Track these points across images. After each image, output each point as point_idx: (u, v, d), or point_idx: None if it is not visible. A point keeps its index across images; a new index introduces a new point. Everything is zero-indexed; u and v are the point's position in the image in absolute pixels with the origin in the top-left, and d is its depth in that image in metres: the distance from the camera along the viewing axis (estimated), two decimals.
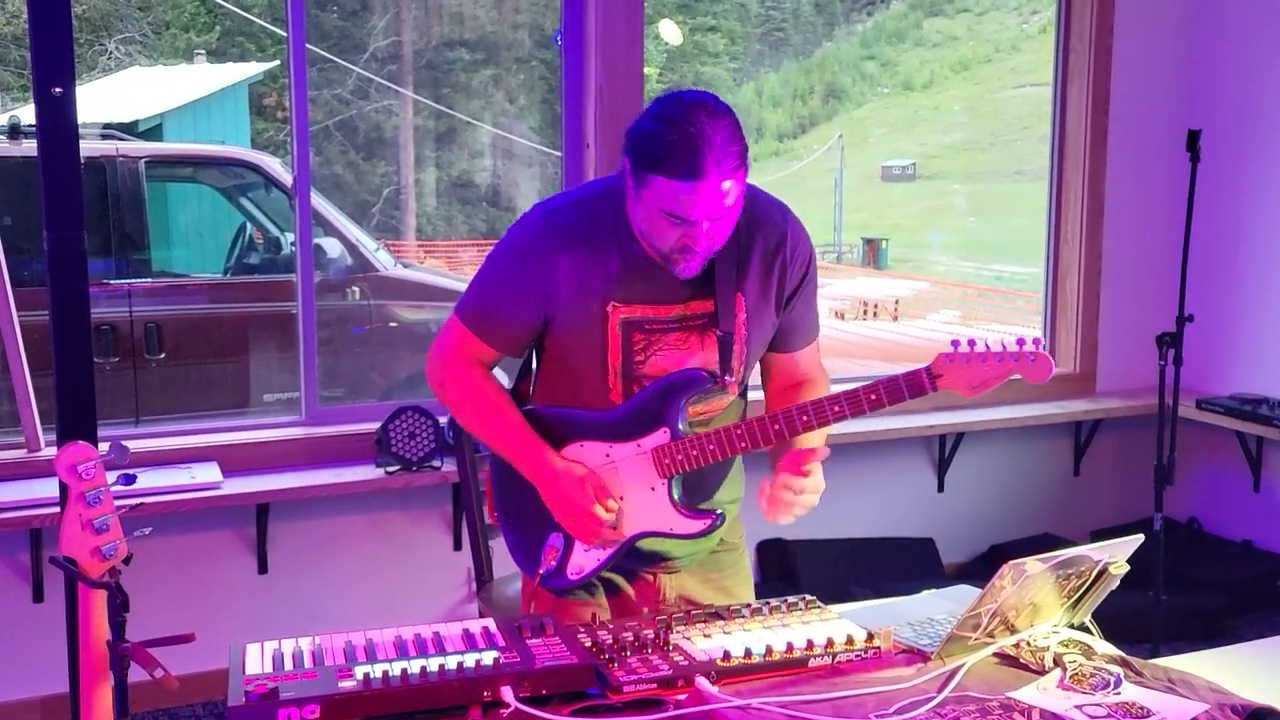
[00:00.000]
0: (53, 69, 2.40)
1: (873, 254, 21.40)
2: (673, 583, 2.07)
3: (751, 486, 2.04)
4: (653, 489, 1.93)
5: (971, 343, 1.82)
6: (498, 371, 2.09)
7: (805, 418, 1.87)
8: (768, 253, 1.96)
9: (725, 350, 1.93)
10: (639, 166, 1.79)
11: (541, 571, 1.98)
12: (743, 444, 1.90)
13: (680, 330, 1.93)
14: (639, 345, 1.92)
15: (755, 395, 2.10)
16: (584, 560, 1.98)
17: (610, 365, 1.93)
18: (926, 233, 24.89)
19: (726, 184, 1.77)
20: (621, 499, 1.94)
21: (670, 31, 19.20)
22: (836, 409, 1.86)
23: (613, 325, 1.91)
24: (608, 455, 1.94)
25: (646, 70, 4.14)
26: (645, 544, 1.97)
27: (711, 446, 1.90)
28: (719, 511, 1.97)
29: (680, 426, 1.92)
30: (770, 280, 1.96)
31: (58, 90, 2.38)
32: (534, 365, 2.08)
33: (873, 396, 1.84)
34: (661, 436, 1.92)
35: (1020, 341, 1.81)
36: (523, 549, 2.05)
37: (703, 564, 2.08)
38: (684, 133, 1.74)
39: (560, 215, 1.93)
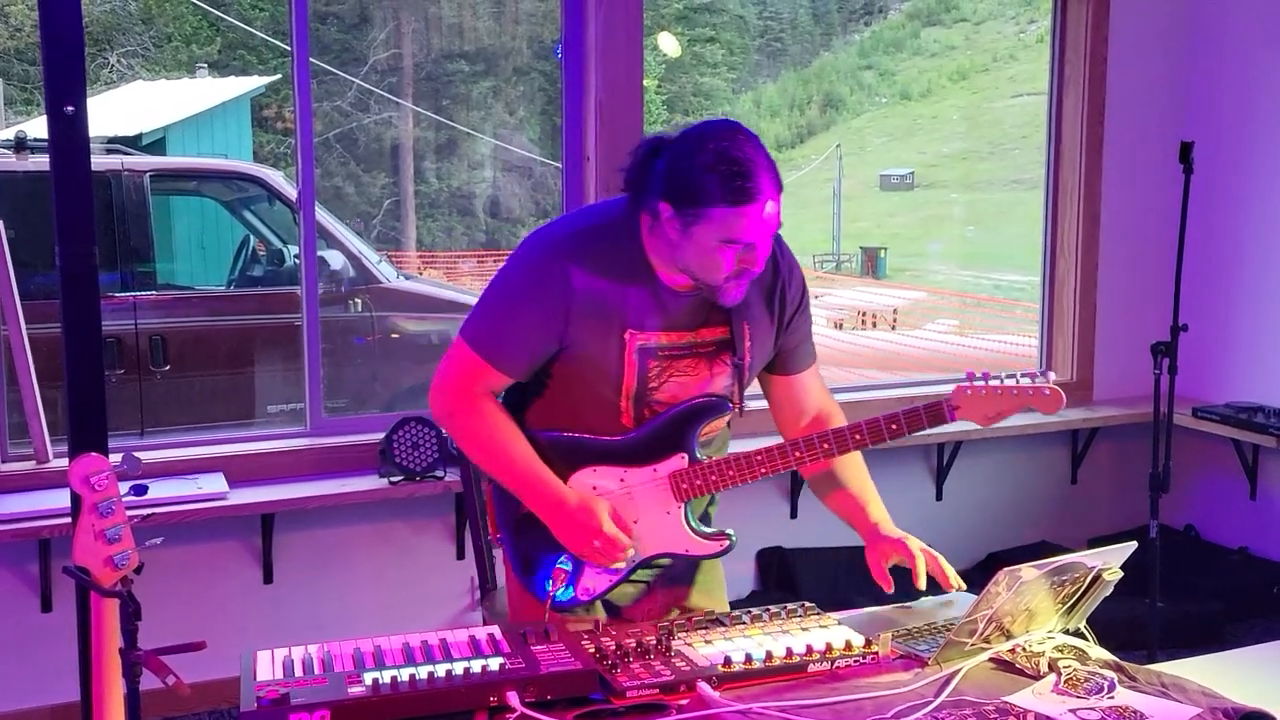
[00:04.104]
0: (64, 87, 2.41)
1: (871, 263, 21.42)
2: (670, 596, 2.11)
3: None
4: (668, 513, 1.99)
5: (986, 376, 1.91)
6: None
7: (826, 445, 1.95)
8: (767, 279, 2.00)
9: (738, 376, 2.00)
10: (688, 205, 1.81)
11: (552, 593, 2.00)
12: (763, 469, 1.95)
13: (691, 357, 1.98)
14: (654, 372, 1.96)
15: (752, 405, 2.11)
16: (595, 582, 2.02)
17: (625, 391, 1.96)
18: (925, 242, 24.89)
19: (771, 205, 1.82)
20: (636, 523, 1.99)
21: (669, 43, 19.27)
22: (857, 437, 1.94)
23: (630, 352, 1.94)
24: (622, 480, 1.98)
25: (645, 82, 4.18)
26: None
27: (731, 472, 1.96)
28: (730, 533, 2.03)
29: (698, 453, 1.98)
30: (771, 306, 2.02)
31: (70, 109, 2.41)
32: (530, 390, 2.06)
33: (893, 426, 1.93)
34: (679, 462, 1.97)
35: (1032, 375, 1.90)
36: (527, 566, 2.06)
37: (702, 571, 2.14)
38: (732, 159, 1.79)
39: (575, 242, 1.94)
